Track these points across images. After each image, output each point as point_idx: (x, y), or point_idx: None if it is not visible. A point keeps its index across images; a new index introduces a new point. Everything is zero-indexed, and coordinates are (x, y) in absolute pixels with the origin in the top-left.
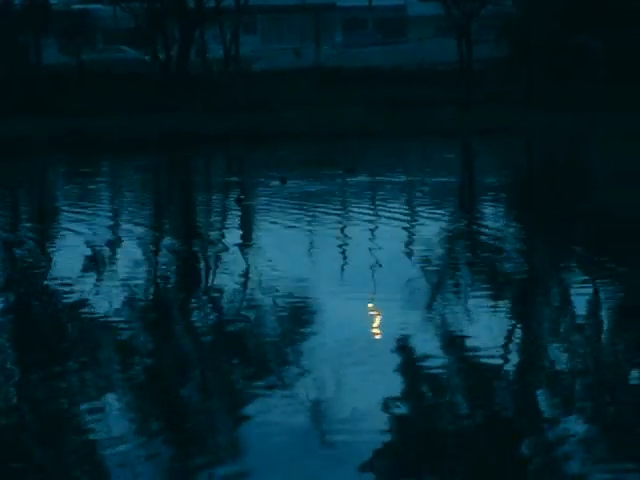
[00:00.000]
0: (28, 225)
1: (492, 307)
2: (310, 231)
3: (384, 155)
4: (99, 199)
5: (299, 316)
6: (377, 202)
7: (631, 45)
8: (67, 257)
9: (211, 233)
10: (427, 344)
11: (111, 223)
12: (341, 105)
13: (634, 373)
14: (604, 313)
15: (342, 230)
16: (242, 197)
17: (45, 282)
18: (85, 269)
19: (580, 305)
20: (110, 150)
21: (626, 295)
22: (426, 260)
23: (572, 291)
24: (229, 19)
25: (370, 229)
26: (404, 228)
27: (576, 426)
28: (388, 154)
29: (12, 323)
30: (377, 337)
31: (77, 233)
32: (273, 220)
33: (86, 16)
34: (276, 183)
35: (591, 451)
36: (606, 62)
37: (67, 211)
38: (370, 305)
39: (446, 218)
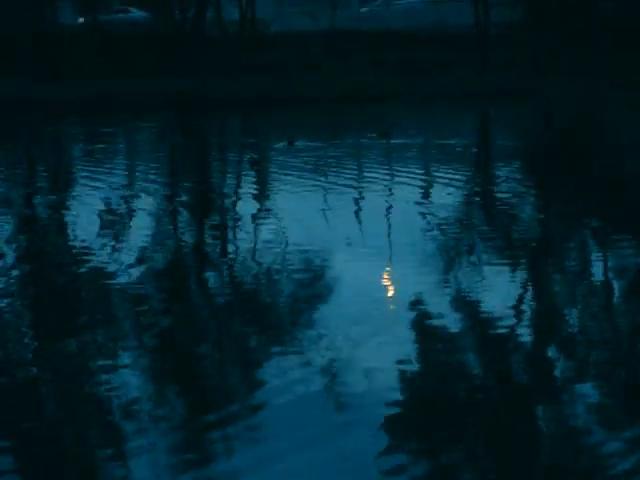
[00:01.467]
0: (46, 185)
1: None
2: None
3: (404, 119)
4: (115, 159)
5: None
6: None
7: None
8: (85, 216)
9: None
10: (442, 307)
11: (127, 182)
12: (357, 69)
13: None
14: (621, 280)
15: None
16: (256, 158)
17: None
18: (103, 227)
19: (597, 272)
20: (124, 111)
21: None
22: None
23: (590, 258)
24: None
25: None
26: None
27: (589, 392)
28: (409, 118)
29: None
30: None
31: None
32: (288, 184)
33: None
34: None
35: (605, 418)
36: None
37: (84, 170)
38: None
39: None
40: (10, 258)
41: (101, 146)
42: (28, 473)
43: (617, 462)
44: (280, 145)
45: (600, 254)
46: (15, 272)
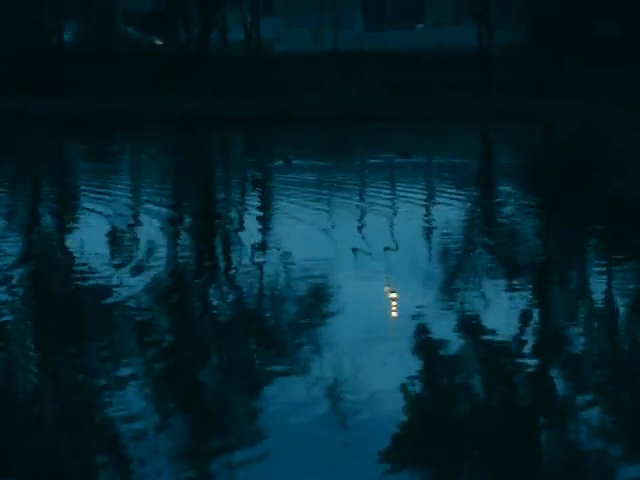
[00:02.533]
0: (49, 203)
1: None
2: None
3: (402, 139)
4: (117, 178)
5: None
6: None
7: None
8: (88, 234)
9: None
10: (445, 327)
11: (130, 202)
12: (360, 89)
13: None
14: (623, 298)
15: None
16: (257, 177)
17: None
18: (108, 246)
19: (598, 290)
20: (127, 130)
21: None
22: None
23: (592, 275)
24: (249, 2)
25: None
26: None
27: (594, 415)
28: (406, 138)
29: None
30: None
31: (97, 212)
32: (290, 201)
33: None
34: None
35: (607, 437)
36: (622, 49)
37: (86, 190)
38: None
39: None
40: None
41: (101, 164)
42: None
43: None
44: (278, 164)
45: (604, 273)
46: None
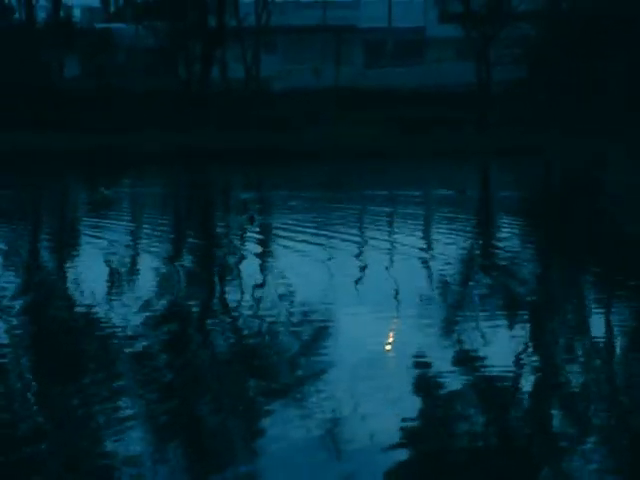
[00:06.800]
0: (48, 238)
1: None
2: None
3: (402, 176)
4: (117, 215)
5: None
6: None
7: None
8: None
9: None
10: (443, 363)
11: (127, 240)
12: (359, 126)
13: None
14: (621, 334)
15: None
16: (254, 217)
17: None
18: (105, 283)
19: (597, 326)
20: (130, 166)
21: None
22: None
23: (589, 312)
24: (250, 39)
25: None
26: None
27: (591, 450)
28: (405, 176)
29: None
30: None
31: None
32: (285, 238)
33: (109, 35)
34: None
35: (604, 473)
36: (624, 86)
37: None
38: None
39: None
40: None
41: (97, 199)
42: None
43: None
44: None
45: (601, 310)
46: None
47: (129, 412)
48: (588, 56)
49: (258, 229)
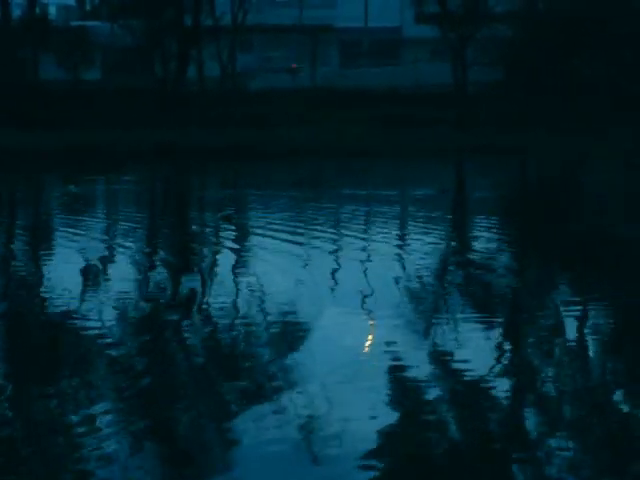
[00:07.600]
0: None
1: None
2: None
3: (380, 174)
4: (92, 213)
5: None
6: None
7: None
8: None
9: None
10: (420, 363)
11: (104, 237)
12: (335, 124)
13: (626, 398)
14: (597, 336)
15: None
16: (230, 214)
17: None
18: (81, 282)
19: (572, 328)
20: (106, 163)
21: (619, 318)
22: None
23: (566, 314)
24: (226, 38)
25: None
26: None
27: (568, 450)
28: (384, 173)
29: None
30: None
31: (72, 247)
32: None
33: (84, 33)
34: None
35: (582, 474)
36: (602, 86)
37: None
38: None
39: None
40: None
41: (72, 196)
42: None
43: None
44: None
45: (578, 311)
46: None
47: (102, 413)
48: (565, 57)
49: (234, 227)
